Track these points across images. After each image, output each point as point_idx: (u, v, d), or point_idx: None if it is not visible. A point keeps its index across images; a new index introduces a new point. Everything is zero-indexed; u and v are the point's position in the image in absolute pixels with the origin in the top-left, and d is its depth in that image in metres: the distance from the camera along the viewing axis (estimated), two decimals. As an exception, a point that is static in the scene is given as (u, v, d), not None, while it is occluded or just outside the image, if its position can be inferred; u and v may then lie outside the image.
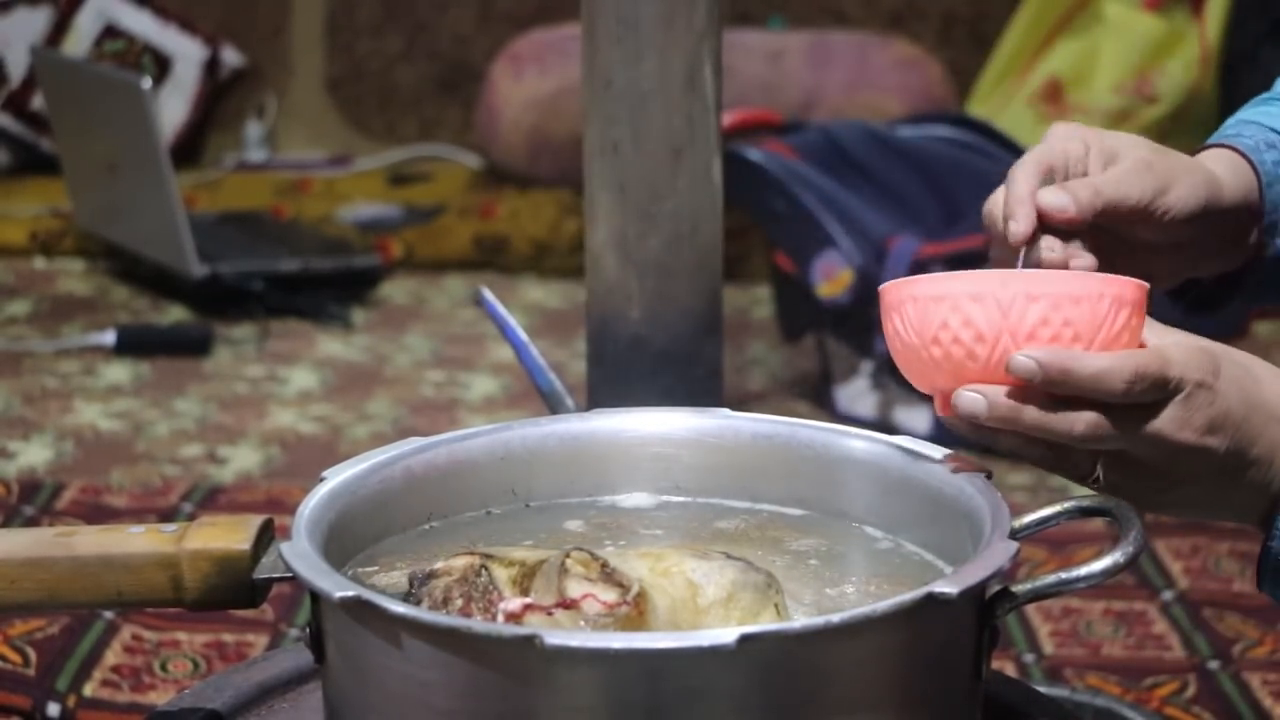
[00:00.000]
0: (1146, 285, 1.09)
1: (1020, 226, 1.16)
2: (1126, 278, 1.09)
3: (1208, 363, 1.08)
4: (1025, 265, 1.16)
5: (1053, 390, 1.05)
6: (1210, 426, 1.07)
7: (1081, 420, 1.05)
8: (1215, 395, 1.07)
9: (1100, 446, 1.07)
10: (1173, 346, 1.08)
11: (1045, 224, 1.17)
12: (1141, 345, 1.08)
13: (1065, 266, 1.17)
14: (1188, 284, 1.34)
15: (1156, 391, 1.05)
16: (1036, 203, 1.17)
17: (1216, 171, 1.26)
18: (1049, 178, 1.19)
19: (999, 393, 1.06)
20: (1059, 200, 1.17)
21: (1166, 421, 1.06)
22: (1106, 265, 1.19)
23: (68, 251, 3.93)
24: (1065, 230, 1.17)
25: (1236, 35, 3.88)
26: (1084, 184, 1.19)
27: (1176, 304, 1.36)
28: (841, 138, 3.15)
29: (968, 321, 1.06)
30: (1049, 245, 1.17)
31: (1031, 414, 1.05)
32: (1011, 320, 1.05)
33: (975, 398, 1.06)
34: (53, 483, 2.69)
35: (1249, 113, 1.35)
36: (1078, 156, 1.21)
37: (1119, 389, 1.04)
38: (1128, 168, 1.21)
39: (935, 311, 1.07)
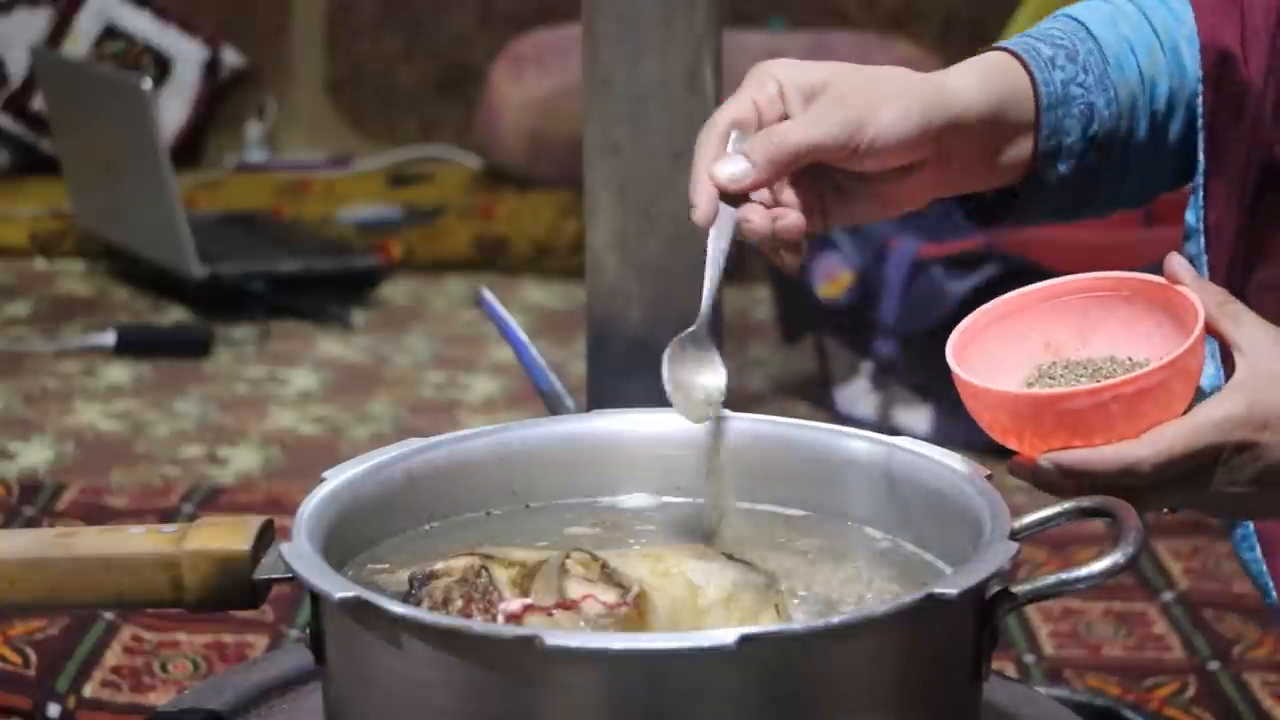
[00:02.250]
0: (1197, 314, 1.07)
1: (700, 212, 1.09)
2: (1177, 299, 1.09)
3: (1253, 419, 1.07)
4: (718, 245, 1.08)
5: (1082, 487, 1.06)
6: (1259, 479, 1.07)
7: (1123, 504, 1.05)
8: (1260, 452, 1.07)
9: (1152, 510, 1.08)
10: (1214, 409, 1.07)
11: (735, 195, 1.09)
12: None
13: (770, 235, 1.10)
14: (965, 196, 1.27)
15: (1185, 470, 1.06)
16: (711, 177, 1.09)
17: (953, 85, 1.17)
18: (744, 134, 1.11)
19: (1054, 472, 1.07)
20: (733, 169, 1.09)
21: (1211, 484, 1.07)
22: (826, 209, 1.14)
23: (68, 252, 3.93)
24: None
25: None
26: (761, 138, 1.10)
27: (956, 212, 1.30)
28: (841, 138, 3.15)
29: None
30: (745, 215, 1.10)
31: (1072, 488, 1.08)
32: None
33: (1049, 468, 1.08)
34: (53, 483, 2.69)
35: (1078, 7, 1.28)
36: (770, 100, 1.12)
37: (1146, 480, 1.06)
38: (818, 107, 1.12)
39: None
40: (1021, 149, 1.23)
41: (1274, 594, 1.30)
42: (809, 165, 1.13)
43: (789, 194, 1.13)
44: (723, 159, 1.10)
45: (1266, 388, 1.07)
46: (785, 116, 1.12)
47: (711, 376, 1.11)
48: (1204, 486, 1.07)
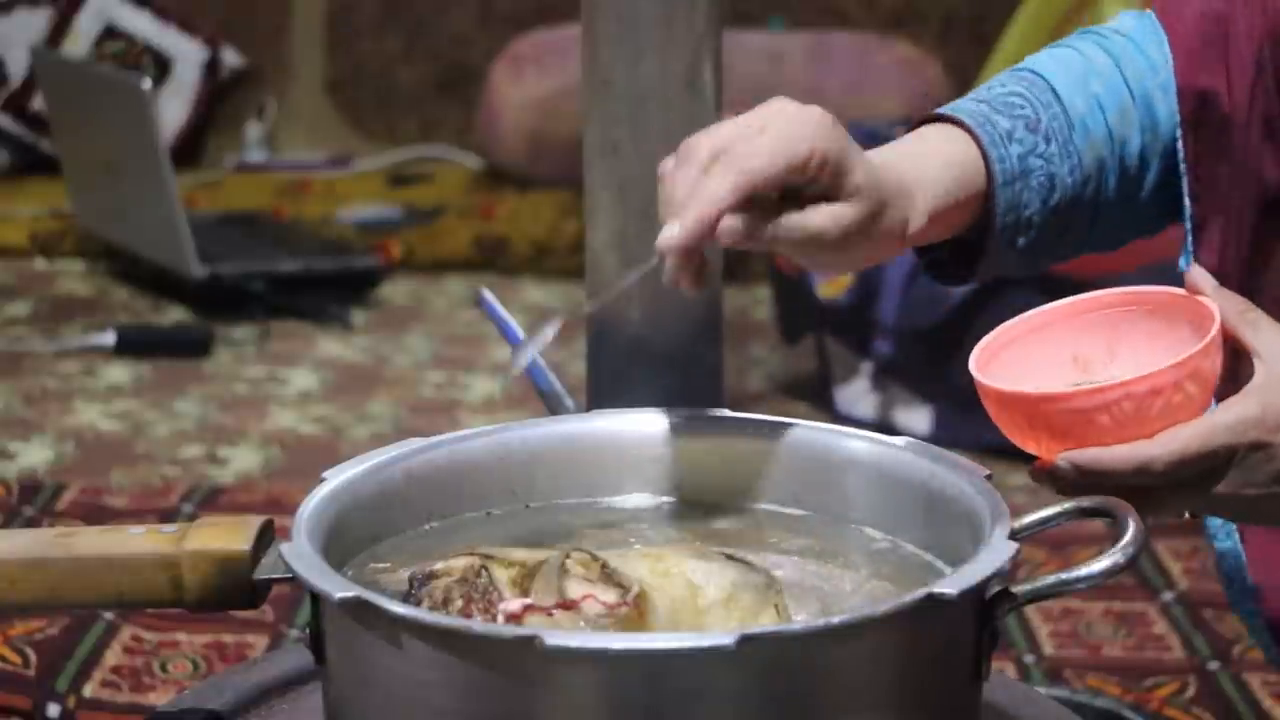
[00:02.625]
0: (1214, 320, 1.09)
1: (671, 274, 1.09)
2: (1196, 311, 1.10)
3: (1267, 421, 1.08)
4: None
5: (1098, 485, 1.07)
6: (1275, 480, 1.08)
7: (1123, 504, 1.06)
8: (1275, 453, 1.08)
9: (1169, 515, 1.09)
10: (1229, 412, 1.08)
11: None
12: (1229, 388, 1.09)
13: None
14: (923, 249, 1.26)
15: (1200, 470, 1.07)
16: (658, 245, 1.09)
17: (912, 191, 1.16)
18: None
19: (1071, 471, 1.09)
20: (669, 234, 1.09)
21: (1226, 484, 1.08)
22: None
23: (68, 252, 3.93)
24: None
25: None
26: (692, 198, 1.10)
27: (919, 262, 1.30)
28: (841, 138, 3.15)
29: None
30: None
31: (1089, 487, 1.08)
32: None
33: (1065, 468, 1.09)
34: (53, 483, 2.69)
35: (1047, 61, 1.27)
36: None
37: (1160, 480, 1.07)
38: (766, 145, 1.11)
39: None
40: (978, 215, 1.23)
41: (1250, 579, 1.31)
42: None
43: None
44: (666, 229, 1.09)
45: None
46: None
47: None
48: (1218, 488, 1.08)
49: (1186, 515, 1.14)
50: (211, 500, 2.64)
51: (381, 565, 1.11)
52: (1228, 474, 1.07)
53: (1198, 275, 1.12)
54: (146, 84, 3.51)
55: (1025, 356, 1.15)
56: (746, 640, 0.91)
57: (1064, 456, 1.08)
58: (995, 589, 1.02)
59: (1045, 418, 1.09)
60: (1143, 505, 1.05)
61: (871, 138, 3.56)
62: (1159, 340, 1.13)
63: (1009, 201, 1.22)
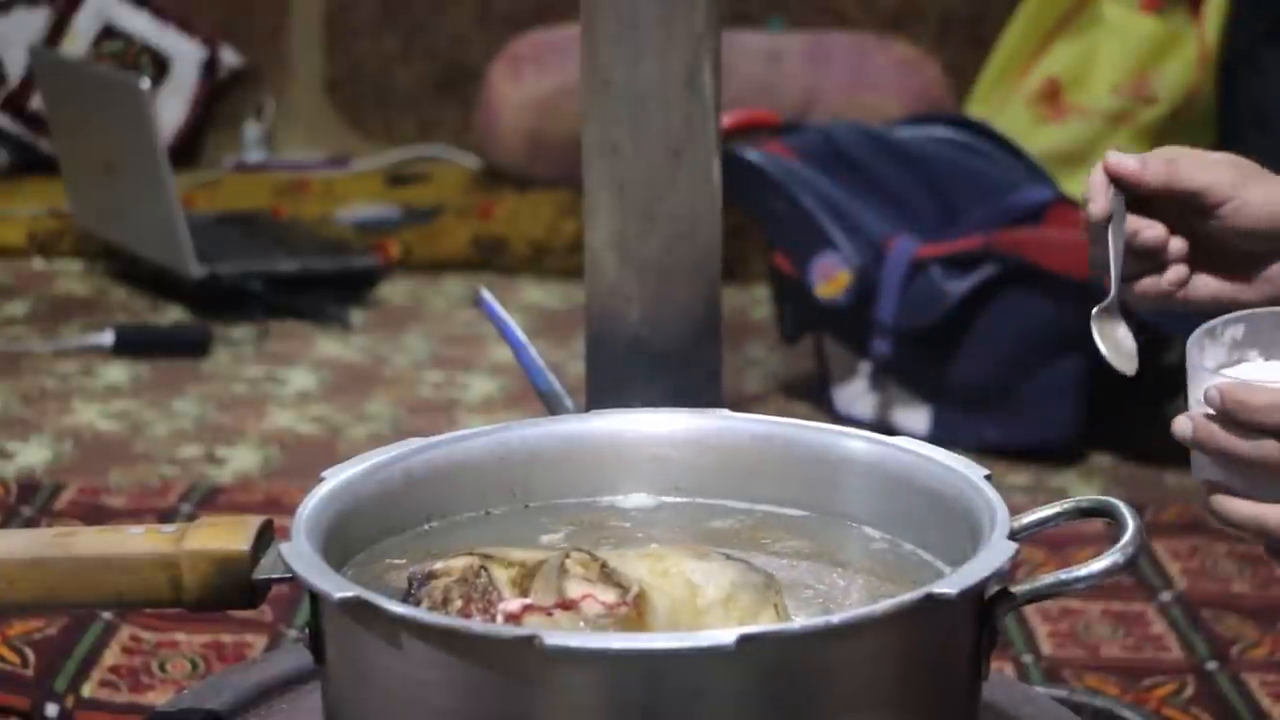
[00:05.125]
0: None
1: (1097, 206, 1.24)
2: None
3: None
4: (1118, 234, 1.24)
5: (1236, 420, 1.11)
6: None
7: (1265, 447, 1.11)
8: None
9: None
10: None
11: (1125, 192, 1.25)
12: None
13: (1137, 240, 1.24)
14: None
15: None
16: (1105, 164, 1.25)
17: None
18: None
19: (1202, 419, 1.13)
20: (1128, 161, 1.24)
21: None
22: (1189, 277, 1.27)
23: (66, 252, 3.92)
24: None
25: (1235, 36, 3.87)
26: (1157, 154, 1.26)
27: None
28: (840, 139, 3.15)
29: None
30: (1134, 225, 1.25)
31: (1223, 436, 1.12)
32: None
33: (1185, 422, 1.14)
34: (51, 483, 2.69)
35: None
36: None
37: None
38: (1207, 158, 1.27)
39: None
40: None
41: None
42: (1189, 209, 1.26)
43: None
44: (1116, 153, 1.26)
45: None
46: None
47: (1127, 337, 1.25)
48: None
49: None
50: (210, 500, 2.64)
51: (382, 565, 1.11)
52: None
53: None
54: (145, 84, 3.51)
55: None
56: (746, 640, 0.91)
57: (1214, 385, 1.12)
58: (994, 589, 1.02)
59: None
60: None
61: (870, 138, 3.54)
62: None
63: None
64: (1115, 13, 3.95)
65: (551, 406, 1.72)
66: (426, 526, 1.16)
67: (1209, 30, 3.89)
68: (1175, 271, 1.27)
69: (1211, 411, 1.13)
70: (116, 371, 3.25)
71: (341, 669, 1.01)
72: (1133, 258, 1.26)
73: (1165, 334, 2.26)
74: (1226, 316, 1.18)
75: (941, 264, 2.93)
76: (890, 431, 1.28)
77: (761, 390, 3.21)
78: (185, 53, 4.57)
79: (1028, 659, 2.22)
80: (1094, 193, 1.25)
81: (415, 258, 3.92)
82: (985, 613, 1.02)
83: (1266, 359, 1.17)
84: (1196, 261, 1.29)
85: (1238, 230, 1.26)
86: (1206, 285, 1.28)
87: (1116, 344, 1.23)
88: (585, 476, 1.20)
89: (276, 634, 2.21)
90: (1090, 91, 3.91)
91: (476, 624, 0.96)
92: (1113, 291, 1.24)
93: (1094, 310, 1.24)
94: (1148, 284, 1.27)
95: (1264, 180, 1.26)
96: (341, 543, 1.09)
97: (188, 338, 3.40)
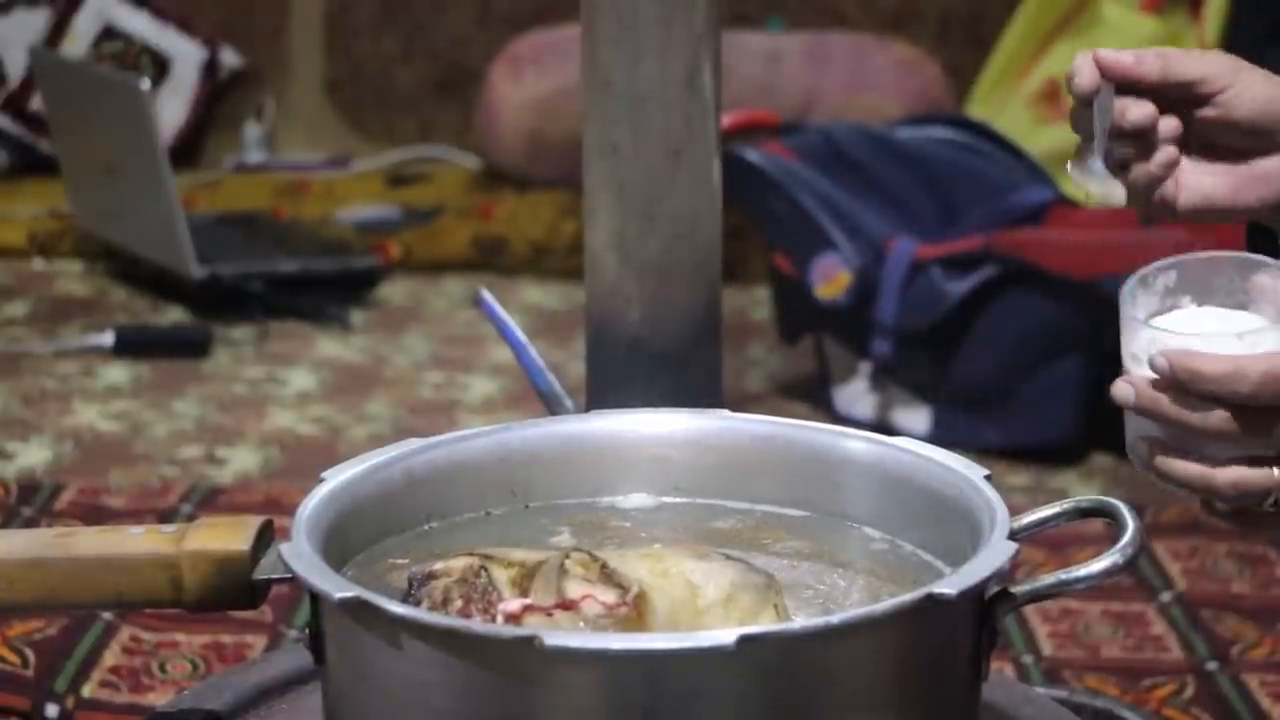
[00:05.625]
0: None
1: (1081, 78, 1.17)
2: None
3: None
4: (1100, 125, 1.17)
5: (1187, 390, 1.08)
6: None
7: (1214, 417, 1.09)
8: None
9: (1241, 449, 1.09)
10: None
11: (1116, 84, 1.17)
12: None
13: (1146, 129, 1.17)
14: None
15: None
16: (1096, 56, 1.18)
17: None
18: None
19: (1145, 385, 1.11)
20: (1121, 55, 1.18)
21: None
22: (1180, 181, 1.19)
23: (66, 252, 3.92)
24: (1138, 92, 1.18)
25: (1235, 37, 3.87)
26: (1148, 50, 1.19)
27: None
28: (840, 139, 3.15)
29: None
30: (1125, 105, 1.17)
31: (1169, 405, 1.10)
32: None
33: (1126, 387, 1.12)
34: (51, 484, 2.69)
35: None
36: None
37: (1245, 391, 1.07)
38: (1200, 52, 1.21)
39: None
40: None
41: None
42: (1182, 100, 1.18)
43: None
44: (1108, 50, 1.18)
45: None
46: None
47: (1109, 177, 1.19)
48: None
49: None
50: (210, 500, 2.64)
51: (385, 564, 1.11)
52: None
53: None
54: (145, 84, 3.51)
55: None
56: (746, 640, 0.91)
57: (1161, 352, 1.09)
58: (994, 589, 1.02)
59: None
60: (1242, 428, 1.07)
61: (870, 139, 3.54)
62: None
63: None
64: (1115, 13, 3.95)
65: (551, 407, 1.72)
66: (426, 527, 1.16)
67: (1209, 30, 3.90)
68: (1165, 153, 1.19)
69: (1153, 375, 1.10)
70: (116, 372, 3.25)
71: (341, 669, 1.01)
72: (1119, 143, 1.19)
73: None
74: (1158, 264, 1.14)
75: (942, 265, 2.94)
76: (890, 432, 1.27)
77: (761, 390, 3.21)
78: (185, 53, 4.57)
79: (1028, 659, 2.22)
80: (1080, 68, 1.18)
81: (415, 258, 3.92)
82: (985, 613, 1.02)
83: (1199, 305, 1.14)
84: (1187, 159, 1.21)
85: (1236, 120, 1.19)
86: (1199, 185, 1.20)
87: (1101, 181, 1.17)
88: (585, 477, 1.20)
89: (276, 634, 2.21)
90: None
91: (476, 624, 0.96)
92: (1097, 152, 1.18)
93: (1069, 163, 1.18)
94: (1138, 173, 1.19)
95: (1259, 72, 1.20)
96: (341, 543, 1.09)
97: (188, 338, 3.40)
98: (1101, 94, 1.17)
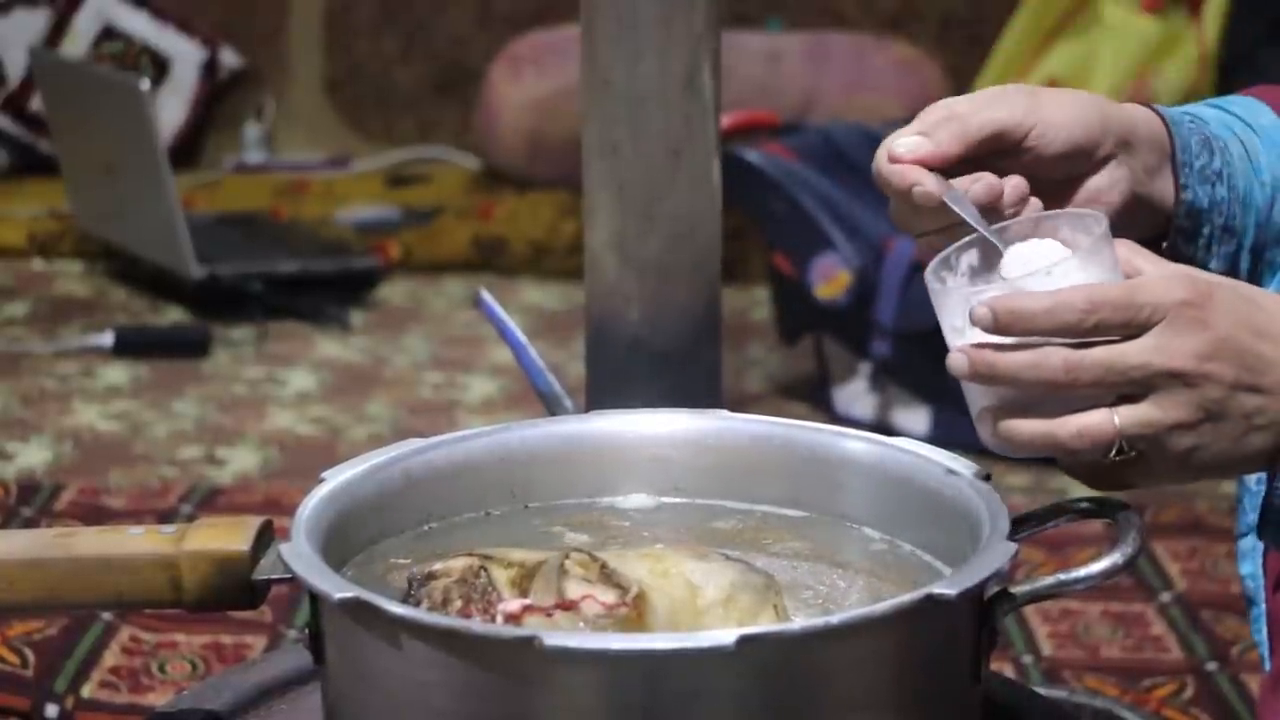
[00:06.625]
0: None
1: (929, 184, 1.11)
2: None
3: (1191, 288, 1.04)
4: (968, 213, 1.11)
5: (1013, 332, 1.03)
6: (1205, 353, 1.03)
7: (1049, 354, 1.03)
8: (1205, 319, 1.03)
9: (1090, 388, 1.03)
10: (1148, 276, 1.05)
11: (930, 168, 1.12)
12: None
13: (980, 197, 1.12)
14: None
15: (1123, 319, 1.03)
16: (890, 153, 1.12)
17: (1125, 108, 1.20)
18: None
19: (975, 349, 1.04)
20: (920, 145, 1.12)
21: (1151, 351, 1.03)
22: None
23: (66, 253, 3.92)
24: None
25: (1234, 37, 3.87)
26: (931, 119, 1.14)
27: None
28: (840, 139, 3.15)
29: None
30: (965, 187, 1.12)
31: (1004, 360, 1.04)
32: None
33: (959, 356, 1.05)
34: (51, 484, 2.69)
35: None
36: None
37: (1073, 319, 1.02)
38: (996, 91, 1.16)
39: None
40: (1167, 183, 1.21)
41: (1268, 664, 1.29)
42: (992, 154, 1.14)
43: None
44: (898, 138, 1.13)
45: (1203, 273, 1.06)
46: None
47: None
48: (1153, 356, 1.03)
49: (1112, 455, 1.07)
50: (210, 501, 2.64)
51: (385, 565, 1.11)
52: (1150, 335, 1.02)
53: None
54: (145, 84, 3.51)
55: None
56: (746, 641, 0.91)
57: (981, 300, 1.03)
58: (994, 589, 1.02)
59: None
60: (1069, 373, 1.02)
61: (870, 139, 3.55)
62: None
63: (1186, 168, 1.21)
64: (1115, 13, 3.95)
65: (551, 407, 1.72)
66: (426, 527, 1.16)
67: (1209, 31, 3.90)
68: (1032, 205, 1.13)
69: (981, 339, 1.04)
70: (116, 372, 3.25)
71: (341, 669, 1.01)
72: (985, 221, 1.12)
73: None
74: (955, 245, 1.10)
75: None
76: (890, 432, 1.27)
77: (761, 390, 3.21)
78: (185, 53, 4.57)
79: (1028, 659, 2.22)
80: (918, 177, 1.11)
81: (415, 259, 3.92)
82: (985, 613, 1.02)
83: (1005, 277, 1.08)
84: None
85: (1053, 155, 1.15)
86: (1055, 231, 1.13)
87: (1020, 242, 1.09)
88: (585, 477, 1.20)
89: (276, 634, 2.22)
90: (1090, 92, 3.91)
91: (476, 624, 0.96)
92: (989, 235, 1.10)
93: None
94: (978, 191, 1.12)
95: (1049, 97, 1.16)
96: (341, 543, 1.09)
97: (188, 338, 3.40)
98: (948, 191, 1.12)
